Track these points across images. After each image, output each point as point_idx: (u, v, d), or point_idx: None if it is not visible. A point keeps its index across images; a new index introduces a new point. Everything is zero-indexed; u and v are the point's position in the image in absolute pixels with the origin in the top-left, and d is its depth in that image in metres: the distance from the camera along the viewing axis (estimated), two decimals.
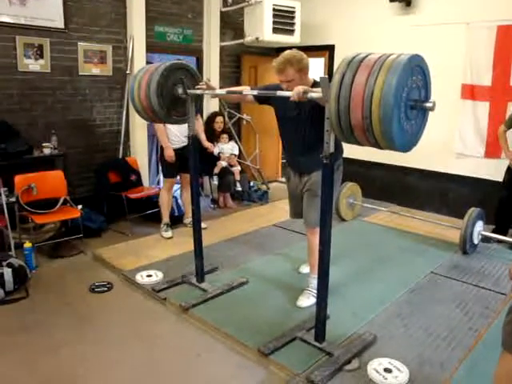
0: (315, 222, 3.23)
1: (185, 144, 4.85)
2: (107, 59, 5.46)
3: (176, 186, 5.64)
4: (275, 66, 3.10)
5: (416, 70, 2.25)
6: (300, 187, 3.52)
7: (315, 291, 3.17)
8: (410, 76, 2.19)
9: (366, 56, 2.27)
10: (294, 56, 3.07)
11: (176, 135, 4.87)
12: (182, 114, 3.54)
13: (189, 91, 3.37)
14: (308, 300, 3.46)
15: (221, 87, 5.76)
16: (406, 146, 2.34)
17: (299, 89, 2.70)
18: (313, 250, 3.37)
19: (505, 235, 4.83)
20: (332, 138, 2.57)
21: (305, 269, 3.99)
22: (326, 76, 2.45)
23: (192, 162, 3.64)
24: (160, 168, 5.53)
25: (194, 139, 3.57)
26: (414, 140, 2.41)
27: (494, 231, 4.92)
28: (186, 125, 4.64)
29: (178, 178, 5.19)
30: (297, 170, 3.53)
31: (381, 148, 2.34)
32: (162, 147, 4.97)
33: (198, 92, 3.38)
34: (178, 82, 3.39)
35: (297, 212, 3.71)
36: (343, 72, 2.25)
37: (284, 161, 3.95)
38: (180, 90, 3.39)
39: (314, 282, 3.35)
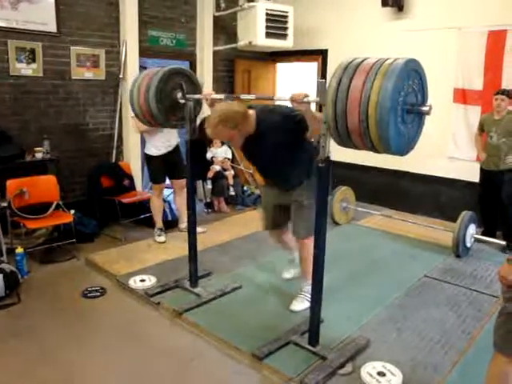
0: (305, 232, 3.24)
1: (169, 149, 4.88)
2: (100, 63, 5.44)
3: (168, 191, 5.64)
4: (210, 134, 2.97)
5: (412, 75, 2.27)
6: (282, 197, 3.36)
7: (309, 295, 3.17)
8: (406, 80, 2.21)
9: (363, 61, 2.29)
10: (223, 113, 2.86)
11: (161, 141, 4.86)
12: (181, 118, 3.54)
13: (188, 96, 3.38)
14: (302, 304, 3.44)
15: (214, 91, 5.76)
16: (403, 150, 2.36)
17: (299, 94, 2.62)
18: (304, 258, 3.37)
19: (493, 236, 4.90)
20: (328, 142, 2.57)
21: (287, 274, 3.98)
22: (323, 80, 2.47)
23: (188, 166, 3.63)
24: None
25: (190, 144, 3.56)
26: (411, 144, 2.42)
27: (483, 233, 4.97)
28: (170, 131, 4.71)
29: (169, 182, 5.20)
30: (279, 188, 3.37)
31: (378, 152, 2.35)
32: (146, 154, 4.99)
33: (197, 97, 3.38)
34: (177, 86, 3.40)
35: (277, 222, 3.57)
36: (340, 77, 2.27)
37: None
38: (179, 95, 3.40)
39: (307, 287, 3.34)
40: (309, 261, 3.21)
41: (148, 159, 5.02)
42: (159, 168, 4.94)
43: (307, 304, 3.26)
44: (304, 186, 3.19)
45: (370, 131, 2.19)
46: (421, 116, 2.42)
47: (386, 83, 2.12)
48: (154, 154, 4.89)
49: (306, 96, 2.61)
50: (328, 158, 2.62)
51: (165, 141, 4.86)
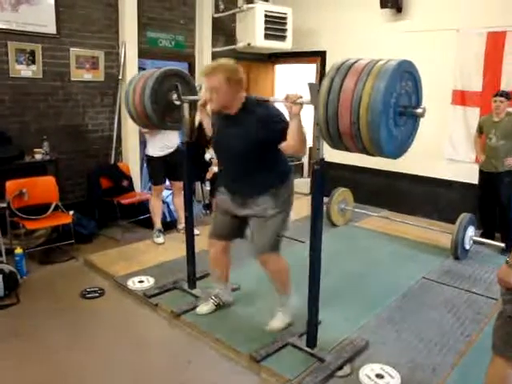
0: (265, 247, 2.95)
1: (170, 151, 4.88)
2: (99, 65, 5.44)
3: (167, 192, 5.64)
4: (206, 67, 2.81)
5: (405, 76, 2.25)
6: (240, 209, 3.03)
7: (288, 309, 3.12)
8: (398, 82, 2.18)
9: (356, 62, 2.27)
10: (228, 63, 2.76)
11: (162, 142, 4.89)
12: (176, 120, 3.55)
13: (183, 97, 3.38)
14: (281, 321, 3.16)
15: None
16: (395, 153, 2.32)
17: (294, 94, 2.56)
18: (273, 277, 3.11)
19: (492, 238, 4.90)
20: (321, 144, 2.57)
21: (201, 308, 3.44)
22: (315, 82, 2.46)
23: (186, 168, 3.63)
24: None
25: (187, 145, 3.56)
26: (404, 147, 2.39)
27: (482, 235, 4.97)
28: (171, 132, 4.72)
29: (168, 183, 5.21)
30: (239, 196, 3.01)
31: (370, 154, 2.33)
32: (147, 155, 5.03)
33: (193, 99, 3.38)
34: (173, 88, 3.39)
35: (225, 232, 3.20)
36: (332, 77, 2.25)
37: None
38: (174, 96, 3.40)
39: (285, 301, 3.15)
40: (279, 276, 3.09)
41: (148, 160, 5.06)
42: (159, 169, 4.98)
43: (287, 319, 3.15)
44: (267, 199, 2.90)
45: (362, 133, 2.17)
46: (415, 118, 2.40)
47: (377, 84, 2.09)
48: (155, 155, 4.92)
49: (301, 97, 2.56)
50: (322, 159, 2.62)
51: (166, 142, 4.87)
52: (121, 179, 5.49)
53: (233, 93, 2.75)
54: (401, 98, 2.23)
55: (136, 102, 3.39)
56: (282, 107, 2.76)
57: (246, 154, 2.83)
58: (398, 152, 2.35)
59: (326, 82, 2.26)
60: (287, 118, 2.68)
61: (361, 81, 2.15)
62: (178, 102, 3.41)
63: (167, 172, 5.00)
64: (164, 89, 3.37)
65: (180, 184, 4.94)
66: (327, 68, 6.56)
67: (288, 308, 3.16)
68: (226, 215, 3.15)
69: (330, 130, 2.29)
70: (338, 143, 2.35)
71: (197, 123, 5.32)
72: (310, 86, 2.44)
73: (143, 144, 6.53)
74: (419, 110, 2.32)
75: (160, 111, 3.39)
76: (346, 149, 2.37)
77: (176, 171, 4.97)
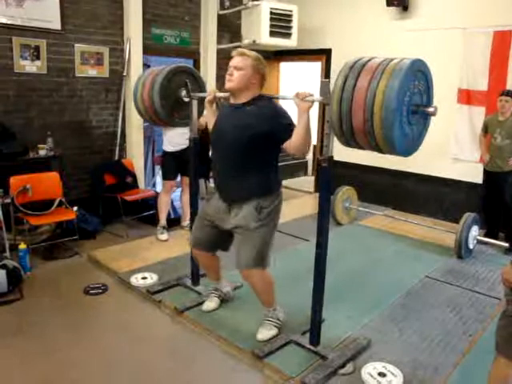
0: (249, 262, 2.85)
1: (183, 147, 4.86)
2: (104, 61, 5.44)
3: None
4: (239, 49, 2.85)
5: (418, 75, 2.26)
6: (225, 219, 2.96)
7: (276, 321, 3.09)
8: (412, 80, 2.20)
9: (369, 60, 2.29)
10: (261, 58, 2.84)
11: (178, 137, 4.88)
12: (184, 116, 3.55)
13: (193, 94, 3.38)
14: (269, 331, 3.06)
15: (218, 89, 5.76)
16: (407, 151, 2.35)
17: (303, 92, 2.56)
18: (257, 291, 3.04)
19: (496, 238, 4.90)
20: (331, 141, 2.57)
21: (206, 305, 3.45)
22: (328, 80, 2.47)
23: (192, 164, 3.63)
24: (159, 170, 5.57)
25: (195, 142, 3.56)
26: (415, 145, 2.42)
27: (486, 235, 4.96)
28: (184, 129, 4.72)
29: (179, 180, 5.21)
30: (227, 199, 2.95)
31: (382, 152, 2.34)
32: (162, 150, 5.07)
33: (202, 95, 3.37)
34: (182, 84, 3.41)
35: (206, 242, 3.15)
36: (346, 75, 2.27)
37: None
38: (184, 93, 3.41)
39: (273, 312, 3.13)
40: (264, 290, 3.02)
41: (162, 155, 5.12)
42: (170, 164, 5.01)
43: (275, 331, 3.07)
44: (251, 209, 2.82)
45: (375, 131, 2.18)
46: (426, 117, 2.41)
47: (391, 83, 2.11)
48: (169, 150, 4.97)
49: (311, 95, 2.56)
50: (331, 157, 2.61)
51: (178, 138, 4.86)
52: (125, 175, 5.50)
53: (251, 80, 2.79)
54: (414, 96, 2.25)
55: (144, 98, 3.42)
56: (290, 106, 2.75)
57: (243, 147, 2.76)
58: (409, 150, 2.37)
59: (339, 80, 2.27)
60: (294, 121, 2.67)
61: (375, 79, 2.17)
62: (187, 99, 3.42)
63: (178, 168, 5.01)
64: (173, 85, 3.39)
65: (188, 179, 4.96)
66: (332, 66, 6.58)
67: (275, 321, 3.10)
68: (208, 226, 3.08)
69: (343, 127, 2.30)
70: (350, 140, 2.36)
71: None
72: (323, 83, 2.45)
73: (147, 140, 6.53)
74: (431, 109, 2.34)
75: (168, 107, 3.40)
76: (359, 146, 2.39)
77: (186, 167, 4.98)
